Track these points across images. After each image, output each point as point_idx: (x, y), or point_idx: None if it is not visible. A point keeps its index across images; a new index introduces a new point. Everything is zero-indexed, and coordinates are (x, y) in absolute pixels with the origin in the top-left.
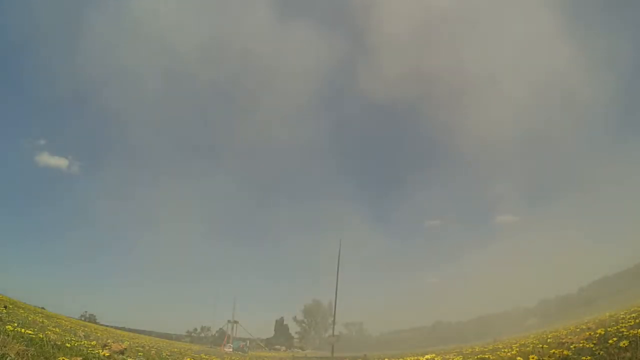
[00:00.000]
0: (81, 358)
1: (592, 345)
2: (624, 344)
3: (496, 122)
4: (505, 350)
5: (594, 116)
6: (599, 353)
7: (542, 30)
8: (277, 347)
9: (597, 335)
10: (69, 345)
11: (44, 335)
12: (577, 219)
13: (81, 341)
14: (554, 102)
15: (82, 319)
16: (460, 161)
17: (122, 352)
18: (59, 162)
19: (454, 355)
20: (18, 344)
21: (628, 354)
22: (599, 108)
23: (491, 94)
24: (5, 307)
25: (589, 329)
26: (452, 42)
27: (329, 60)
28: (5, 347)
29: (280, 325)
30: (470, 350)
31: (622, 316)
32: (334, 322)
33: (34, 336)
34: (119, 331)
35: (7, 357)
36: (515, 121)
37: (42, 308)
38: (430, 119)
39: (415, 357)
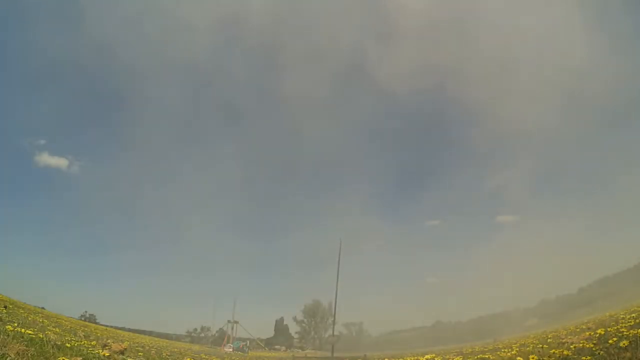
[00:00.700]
0: (81, 358)
1: (592, 345)
2: (624, 344)
3: (502, 120)
4: (505, 350)
5: (598, 114)
6: (599, 353)
7: (557, 26)
8: (277, 347)
9: (597, 335)
10: (69, 345)
11: (44, 335)
12: (577, 219)
13: (81, 341)
14: (559, 99)
15: (82, 319)
16: (460, 161)
17: (122, 352)
18: (59, 162)
19: (454, 355)
20: (18, 344)
21: (628, 354)
22: (604, 106)
23: (499, 89)
24: (5, 307)
25: (589, 329)
26: (460, 36)
27: (343, 46)
28: (5, 347)
29: (280, 325)
30: (470, 350)
31: (622, 316)
32: (334, 322)
33: (34, 336)
34: (119, 331)
35: (7, 357)
36: (520, 119)
37: (42, 308)
38: (436, 115)
39: (415, 357)
